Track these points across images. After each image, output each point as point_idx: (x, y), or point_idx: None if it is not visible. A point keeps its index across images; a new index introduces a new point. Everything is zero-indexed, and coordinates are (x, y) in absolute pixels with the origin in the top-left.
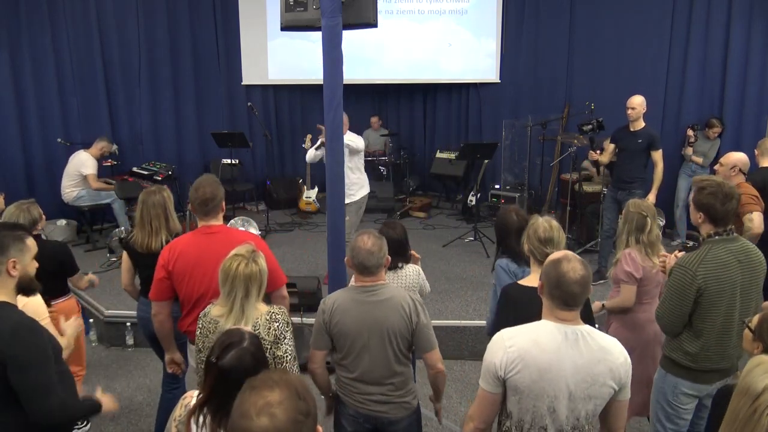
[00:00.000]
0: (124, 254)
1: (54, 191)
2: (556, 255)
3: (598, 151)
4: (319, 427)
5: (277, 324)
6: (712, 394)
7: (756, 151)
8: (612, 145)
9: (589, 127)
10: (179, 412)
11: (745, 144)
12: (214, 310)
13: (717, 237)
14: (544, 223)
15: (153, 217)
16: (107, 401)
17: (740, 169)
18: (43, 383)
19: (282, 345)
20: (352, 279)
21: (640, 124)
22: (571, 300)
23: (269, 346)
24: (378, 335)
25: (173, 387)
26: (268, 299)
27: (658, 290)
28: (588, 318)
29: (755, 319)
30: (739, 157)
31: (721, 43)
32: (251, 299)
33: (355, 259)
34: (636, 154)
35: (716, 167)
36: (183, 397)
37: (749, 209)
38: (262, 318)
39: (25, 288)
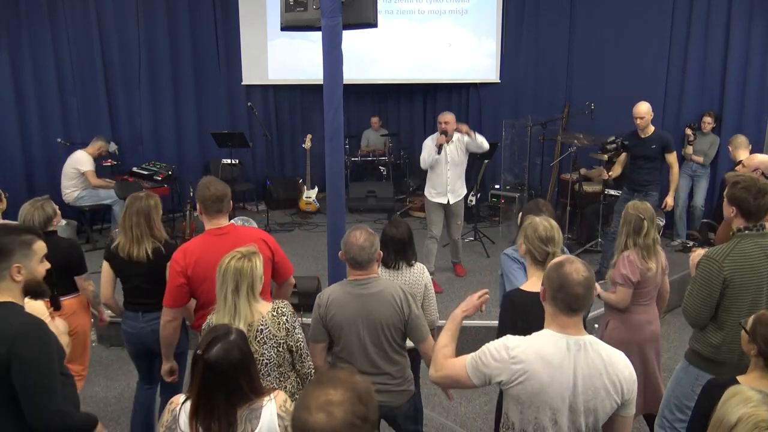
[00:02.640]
0: (105, 264)
1: (54, 191)
2: (557, 259)
3: (610, 173)
4: None
5: (285, 318)
6: None
7: (729, 147)
8: (624, 154)
9: (614, 146)
10: (166, 417)
11: None
12: (215, 317)
13: (747, 231)
14: (544, 222)
15: (134, 224)
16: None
17: (762, 172)
18: (45, 386)
19: (294, 335)
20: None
21: (650, 130)
22: (575, 303)
23: (282, 341)
24: (372, 327)
25: (147, 388)
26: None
27: (656, 291)
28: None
29: (750, 320)
30: (762, 159)
31: (721, 43)
32: (242, 295)
33: (347, 254)
34: (651, 160)
35: (738, 168)
36: (170, 402)
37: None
38: (269, 315)
39: (33, 292)
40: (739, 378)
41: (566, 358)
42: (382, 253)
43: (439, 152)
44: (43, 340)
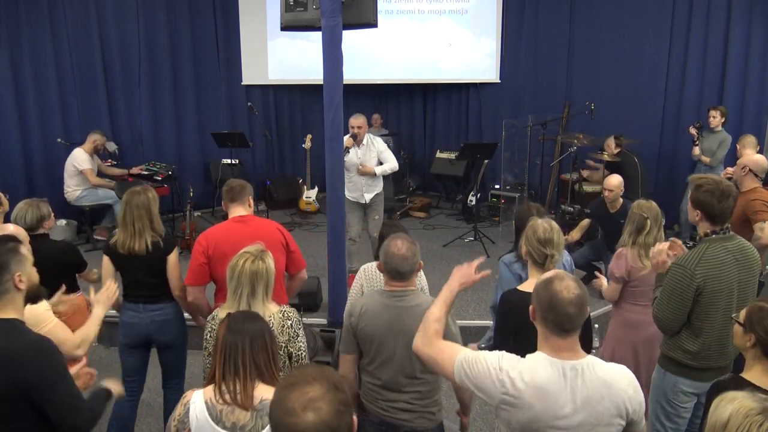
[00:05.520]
0: (105, 260)
1: (54, 191)
2: (546, 275)
3: (566, 237)
4: (354, 417)
5: (290, 322)
6: None
7: (737, 146)
8: (587, 220)
9: (570, 210)
10: (180, 411)
11: None
12: (221, 312)
13: (714, 236)
14: (544, 224)
15: (136, 218)
16: (113, 385)
17: (751, 170)
18: (73, 397)
19: (296, 343)
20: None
21: (618, 203)
22: (567, 323)
23: (284, 345)
24: (405, 341)
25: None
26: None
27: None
28: (587, 342)
29: (742, 313)
30: (750, 158)
31: (721, 42)
32: (257, 297)
33: (387, 265)
34: (618, 233)
35: (727, 170)
36: (183, 396)
37: (762, 217)
38: (276, 317)
39: (32, 297)
40: (744, 375)
41: (563, 387)
42: (422, 263)
43: (347, 152)
44: (55, 355)
